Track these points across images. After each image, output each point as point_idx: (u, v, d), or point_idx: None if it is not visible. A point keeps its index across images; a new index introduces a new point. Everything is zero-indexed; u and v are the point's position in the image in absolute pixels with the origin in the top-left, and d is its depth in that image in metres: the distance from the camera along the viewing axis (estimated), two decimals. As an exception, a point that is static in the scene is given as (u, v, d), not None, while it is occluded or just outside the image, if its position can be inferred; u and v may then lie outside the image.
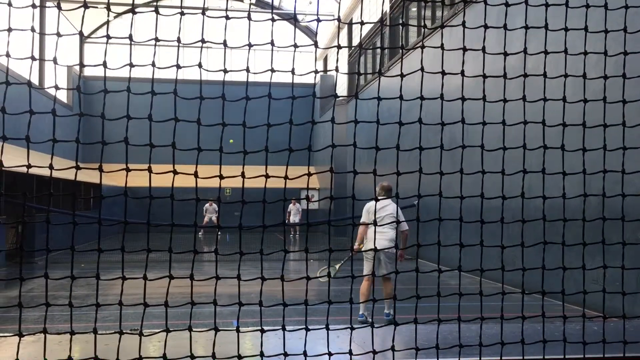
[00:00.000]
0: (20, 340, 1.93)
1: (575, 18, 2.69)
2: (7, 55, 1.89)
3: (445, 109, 2.55)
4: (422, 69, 2.50)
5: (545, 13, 2.67)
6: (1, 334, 2.00)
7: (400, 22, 16.45)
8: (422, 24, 14.98)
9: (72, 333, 1.97)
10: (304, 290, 2.15)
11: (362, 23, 2.31)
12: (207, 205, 27.34)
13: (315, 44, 2.19)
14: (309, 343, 2.06)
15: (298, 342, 2.27)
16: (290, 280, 2.12)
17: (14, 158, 1.89)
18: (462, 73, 2.49)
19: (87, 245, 1.98)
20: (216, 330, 2.02)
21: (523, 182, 2.79)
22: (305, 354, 2.02)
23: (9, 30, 1.88)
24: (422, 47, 2.50)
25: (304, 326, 2.09)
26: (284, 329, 2.09)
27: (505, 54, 2.67)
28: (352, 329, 2.23)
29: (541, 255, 2.65)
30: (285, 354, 2.04)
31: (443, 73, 2.43)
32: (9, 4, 1.88)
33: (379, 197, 6.89)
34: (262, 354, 2.02)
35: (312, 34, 30.19)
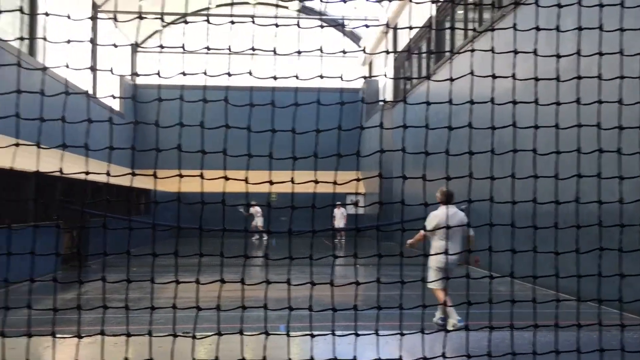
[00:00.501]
0: (79, 341, 1.99)
1: (631, 18, 2.61)
2: (67, 66, 1.96)
3: (492, 112, 2.50)
4: (472, 73, 2.47)
5: (599, 13, 2.60)
6: (59, 335, 2.07)
7: (447, 25, 16.25)
8: (471, 27, 14.76)
9: (128, 335, 2.03)
10: (352, 295, 2.15)
11: (410, 28, 2.31)
12: (251, 209, 27.57)
13: (364, 50, 2.19)
14: (358, 348, 2.06)
15: (347, 348, 2.27)
16: (339, 285, 2.12)
17: (72, 165, 1.96)
18: (514, 76, 2.45)
19: (138, 249, 2.04)
20: (266, 334, 2.04)
21: (577, 187, 2.72)
22: (355, 359, 2.02)
23: (68, 42, 1.95)
24: (472, 50, 2.47)
25: (353, 331, 2.09)
26: (333, 333, 2.09)
27: (558, 56, 2.61)
28: (401, 334, 2.22)
29: (596, 262, 2.57)
30: (335, 359, 2.04)
31: (494, 77, 2.40)
32: (68, 17, 1.96)
33: (441, 202, 6.54)
34: (312, 359, 2.02)
35: (357, 39, 30.17)
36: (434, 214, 6.51)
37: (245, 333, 2.05)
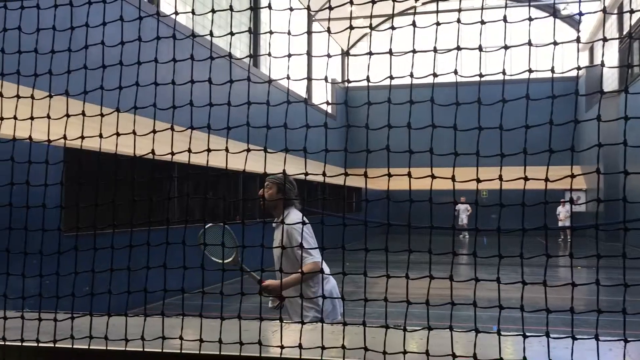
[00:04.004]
0: (302, 327, 2.19)
1: None
2: (288, 77, 2.17)
3: None
4: None
5: None
6: (285, 322, 2.29)
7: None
8: None
9: (345, 324, 2.18)
10: (569, 298, 2.04)
11: (631, 12, 2.12)
12: (459, 205, 27.07)
13: (578, 40, 2.07)
14: (576, 353, 1.96)
15: (563, 352, 2.16)
16: (553, 285, 2.04)
17: (292, 167, 2.17)
18: None
19: (350, 245, 2.17)
20: (477, 331, 2.04)
21: None
22: (572, 363, 1.92)
23: (289, 56, 2.16)
24: None
25: (570, 335, 1.99)
26: (547, 335, 2.01)
27: None
28: (625, 341, 2.05)
29: None
30: (550, 362, 1.96)
31: None
32: (289, 33, 2.16)
33: None
34: (524, 359, 1.97)
35: (574, 23, 27.90)
36: None
37: (455, 330, 2.08)
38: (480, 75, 2.09)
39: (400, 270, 2.19)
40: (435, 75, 2.12)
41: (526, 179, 2.05)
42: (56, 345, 2.28)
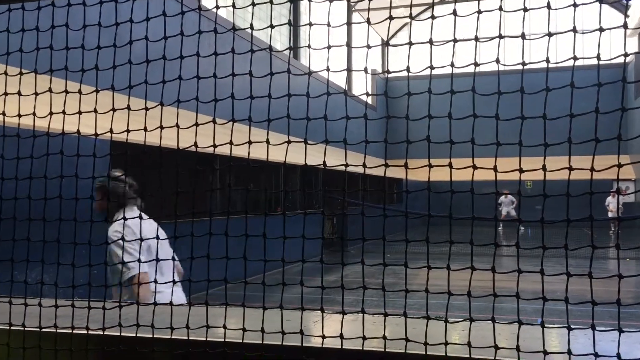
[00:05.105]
0: (343, 317, 2.21)
1: None
2: (327, 69, 2.18)
3: None
4: None
5: None
6: (327, 312, 2.31)
7: None
8: None
9: (385, 315, 2.18)
10: (616, 290, 1.99)
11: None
12: (502, 197, 26.59)
13: (625, 25, 2.01)
14: (623, 346, 1.91)
15: (610, 345, 2.12)
16: (599, 277, 1.99)
17: (332, 158, 2.17)
18: None
19: (391, 237, 2.17)
20: (520, 323, 2.02)
21: None
22: (618, 356, 1.88)
23: (329, 47, 2.16)
24: None
25: (617, 327, 1.95)
26: (593, 328, 1.97)
27: None
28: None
29: None
30: (596, 355, 1.93)
31: None
32: (328, 24, 2.17)
33: None
34: (569, 352, 1.94)
35: (622, 8, 26.98)
36: None
37: (497, 321, 2.06)
38: (523, 64, 2.06)
39: (441, 261, 2.18)
40: (476, 64, 2.09)
41: (571, 168, 2.01)
42: (105, 333, 2.36)
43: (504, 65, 2.06)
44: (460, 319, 2.20)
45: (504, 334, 2.25)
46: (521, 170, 2.04)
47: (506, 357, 2.02)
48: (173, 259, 3.07)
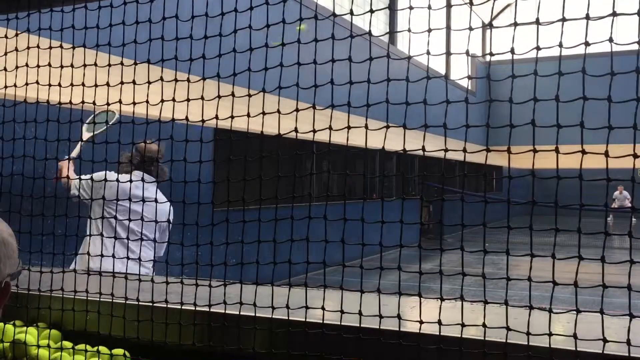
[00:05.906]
0: (441, 303, 2.19)
1: None
2: (428, 52, 2.15)
3: None
4: None
5: None
6: (424, 298, 2.30)
7: None
8: None
9: (485, 302, 2.14)
10: None
11: None
12: (616, 192, 24.98)
13: (638, 13, 1.83)
14: None
15: None
16: None
17: (431, 144, 2.15)
18: None
19: (492, 225, 2.12)
20: (631, 316, 1.91)
21: None
22: None
23: (429, 31, 2.13)
24: None
25: None
26: None
27: None
28: None
29: None
30: None
31: None
32: (429, 7, 2.13)
33: None
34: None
35: None
36: None
37: (605, 313, 1.96)
38: (639, 43, 1.93)
39: (545, 252, 2.10)
40: (587, 44, 1.98)
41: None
42: (211, 310, 2.48)
43: (618, 44, 1.94)
44: (565, 310, 2.12)
45: (613, 327, 2.14)
46: (635, 156, 1.92)
47: (615, 352, 1.92)
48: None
